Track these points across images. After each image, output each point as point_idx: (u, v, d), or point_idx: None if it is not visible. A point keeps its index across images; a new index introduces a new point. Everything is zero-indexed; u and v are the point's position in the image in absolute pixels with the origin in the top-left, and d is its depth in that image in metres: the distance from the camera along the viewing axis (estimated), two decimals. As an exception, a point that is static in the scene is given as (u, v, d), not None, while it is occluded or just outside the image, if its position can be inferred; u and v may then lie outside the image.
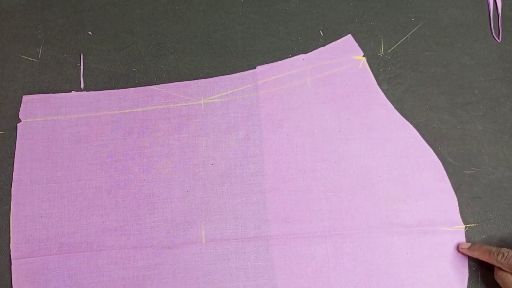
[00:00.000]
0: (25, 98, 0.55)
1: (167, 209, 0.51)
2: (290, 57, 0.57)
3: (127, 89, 0.55)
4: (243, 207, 0.52)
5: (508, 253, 0.46)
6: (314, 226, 0.51)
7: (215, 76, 0.56)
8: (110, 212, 0.51)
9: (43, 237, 0.50)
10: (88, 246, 0.50)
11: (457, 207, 0.52)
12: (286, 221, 0.51)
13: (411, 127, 0.54)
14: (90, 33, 0.57)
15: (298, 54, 0.57)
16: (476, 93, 0.56)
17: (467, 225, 0.52)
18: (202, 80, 0.56)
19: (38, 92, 0.55)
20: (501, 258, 0.46)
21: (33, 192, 0.52)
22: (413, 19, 0.59)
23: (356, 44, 0.57)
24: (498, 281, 0.47)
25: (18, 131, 0.54)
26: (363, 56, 0.57)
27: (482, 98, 0.56)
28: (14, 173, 0.52)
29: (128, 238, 0.51)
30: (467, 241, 0.51)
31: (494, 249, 0.48)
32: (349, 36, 0.58)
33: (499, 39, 0.58)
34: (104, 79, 0.56)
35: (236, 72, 0.56)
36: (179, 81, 0.56)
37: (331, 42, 0.57)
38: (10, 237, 0.51)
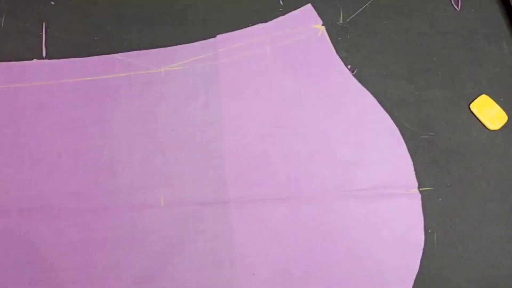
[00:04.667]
0: (-13, 66, 0.55)
1: (127, 174, 0.52)
2: (250, 26, 0.57)
3: (89, 58, 0.56)
4: (202, 172, 0.53)
5: None
6: (272, 190, 0.52)
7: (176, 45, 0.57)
8: (71, 176, 0.52)
9: (3, 201, 0.51)
10: (49, 209, 0.51)
11: (413, 171, 0.53)
12: (244, 185, 0.52)
13: (369, 94, 0.55)
14: (52, 2, 0.58)
15: (258, 23, 0.57)
16: (434, 61, 0.57)
17: (423, 189, 0.52)
18: (163, 48, 0.56)
19: (0, 61, 0.56)
20: None
21: (-4, 158, 0.53)
22: (372, -11, 0.59)
23: (316, 13, 0.58)
24: None
25: (-19, 99, 0.54)
26: (322, 25, 0.57)
27: (441, 65, 0.57)
28: (-23, 139, 0.53)
29: (89, 202, 0.51)
30: (423, 204, 0.52)
31: None
32: (309, 5, 0.58)
33: (458, 7, 0.59)
34: (66, 48, 0.56)
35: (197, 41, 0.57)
36: (140, 49, 0.56)
37: (291, 11, 0.58)
38: (-28, 201, 0.51)
